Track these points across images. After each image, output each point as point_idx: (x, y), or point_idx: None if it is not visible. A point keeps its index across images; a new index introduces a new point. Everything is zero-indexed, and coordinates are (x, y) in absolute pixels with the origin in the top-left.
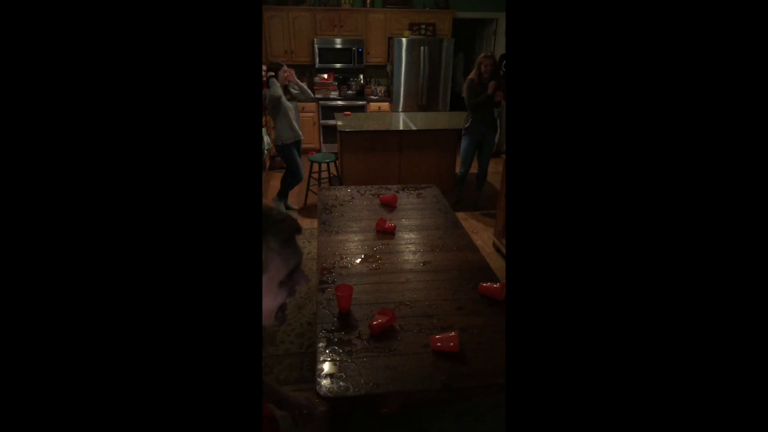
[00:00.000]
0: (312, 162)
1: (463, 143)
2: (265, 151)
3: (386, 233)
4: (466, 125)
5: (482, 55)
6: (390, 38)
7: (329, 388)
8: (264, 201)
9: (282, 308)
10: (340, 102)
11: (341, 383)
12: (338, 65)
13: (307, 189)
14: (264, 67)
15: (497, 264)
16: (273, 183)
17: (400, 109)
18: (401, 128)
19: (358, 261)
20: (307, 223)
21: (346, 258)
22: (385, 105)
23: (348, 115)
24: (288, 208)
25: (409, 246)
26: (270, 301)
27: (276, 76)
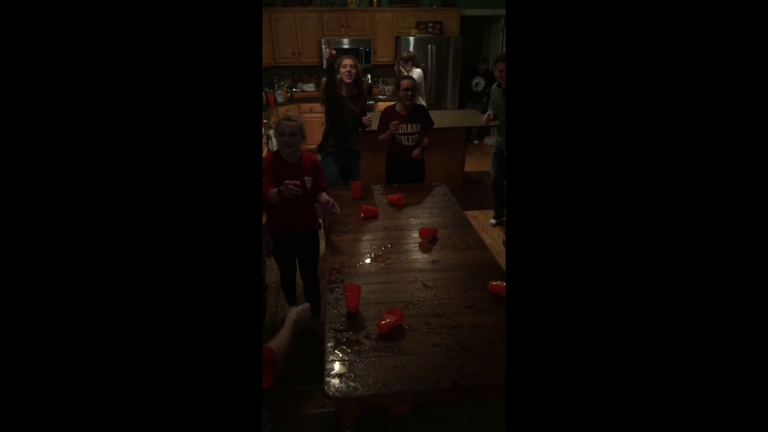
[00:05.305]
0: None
1: (325, 167)
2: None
3: (430, 238)
4: (326, 146)
5: (342, 58)
6: (397, 37)
7: (338, 387)
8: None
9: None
10: None
11: (350, 383)
12: None
13: None
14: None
15: None
16: None
17: None
18: None
19: (366, 260)
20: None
21: (355, 257)
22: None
23: None
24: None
25: (418, 245)
26: None
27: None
